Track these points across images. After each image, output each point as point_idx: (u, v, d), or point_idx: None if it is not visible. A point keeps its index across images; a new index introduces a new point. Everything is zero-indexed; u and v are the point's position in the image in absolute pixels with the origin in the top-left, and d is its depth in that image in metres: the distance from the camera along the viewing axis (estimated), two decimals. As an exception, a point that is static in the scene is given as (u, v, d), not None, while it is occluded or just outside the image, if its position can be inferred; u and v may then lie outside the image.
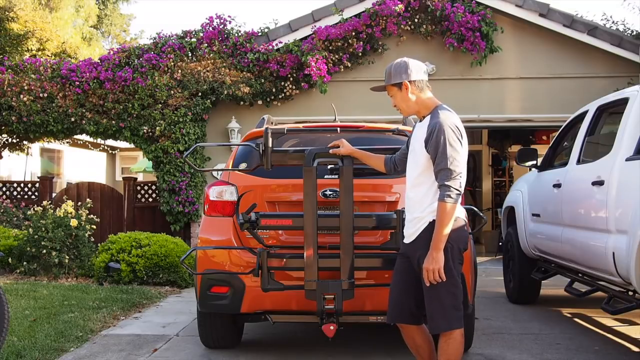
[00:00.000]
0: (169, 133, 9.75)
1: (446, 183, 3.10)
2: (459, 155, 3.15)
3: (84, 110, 9.95)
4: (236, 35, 10.09)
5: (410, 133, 3.56)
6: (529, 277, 6.46)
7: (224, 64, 9.86)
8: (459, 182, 3.14)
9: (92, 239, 8.73)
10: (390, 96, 3.44)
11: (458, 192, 3.12)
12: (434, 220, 3.19)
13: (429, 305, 3.24)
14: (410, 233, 3.34)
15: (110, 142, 15.81)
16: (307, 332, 5.41)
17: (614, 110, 5.18)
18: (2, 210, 9.83)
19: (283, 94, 9.97)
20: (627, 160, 4.38)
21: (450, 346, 3.20)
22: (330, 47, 9.74)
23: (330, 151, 3.81)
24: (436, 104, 3.34)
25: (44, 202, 8.75)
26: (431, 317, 3.25)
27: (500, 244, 9.43)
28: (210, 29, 10.13)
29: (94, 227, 8.61)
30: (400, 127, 4.68)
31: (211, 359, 4.66)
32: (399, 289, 3.41)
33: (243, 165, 4.56)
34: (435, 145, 3.15)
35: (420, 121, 3.39)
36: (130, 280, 7.77)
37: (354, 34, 9.70)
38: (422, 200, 3.27)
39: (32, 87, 9.89)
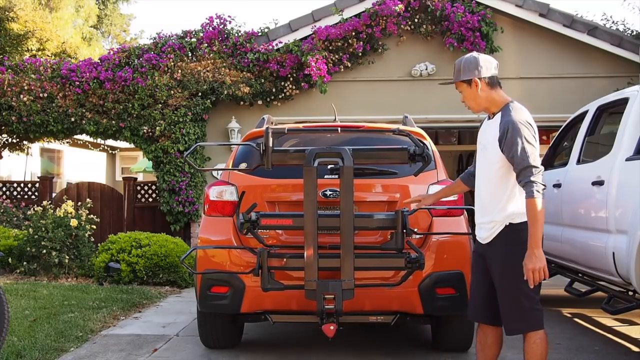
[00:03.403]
0: (169, 133, 9.75)
1: (532, 179, 3.03)
2: (536, 150, 3.10)
3: (84, 110, 9.94)
4: (236, 35, 10.09)
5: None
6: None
7: (224, 64, 9.85)
8: (542, 176, 3.08)
9: (92, 239, 8.73)
10: (459, 92, 3.35)
11: (544, 187, 3.07)
12: (510, 224, 3.16)
13: (504, 307, 3.18)
14: (485, 237, 3.29)
15: (110, 142, 15.80)
16: (307, 332, 5.40)
17: (614, 110, 5.19)
18: (2, 210, 9.83)
19: (283, 94, 9.96)
20: (627, 160, 4.38)
21: (539, 346, 3.13)
22: (330, 47, 9.74)
23: (414, 206, 3.86)
24: (506, 100, 3.25)
25: (44, 202, 8.74)
26: (508, 320, 3.19)
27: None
28: (210, 29, 10.12)
29: (94, 227, 8.61)
30: (401, 127, 4.67)
31: (211, 359, 4.66)
32: (485, 289, 3.33)
33: (243, 165, 4.56)
34: (512, 144, 3.07)
35: (489, 118, 3.32)
36: (130, 280, 7.77)
37: (354, 34, 9.69)
38: (496, 202, 3.21)
39: (32, 87, 9.88)
